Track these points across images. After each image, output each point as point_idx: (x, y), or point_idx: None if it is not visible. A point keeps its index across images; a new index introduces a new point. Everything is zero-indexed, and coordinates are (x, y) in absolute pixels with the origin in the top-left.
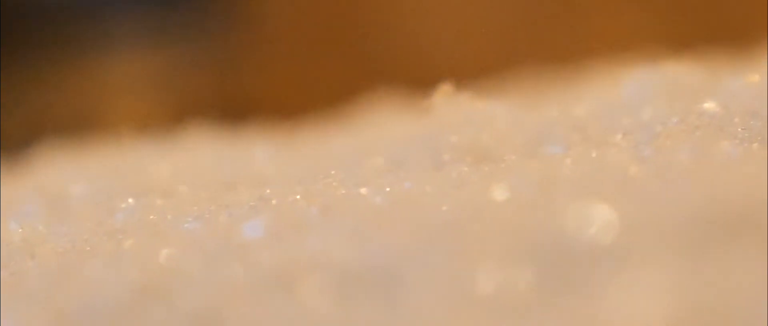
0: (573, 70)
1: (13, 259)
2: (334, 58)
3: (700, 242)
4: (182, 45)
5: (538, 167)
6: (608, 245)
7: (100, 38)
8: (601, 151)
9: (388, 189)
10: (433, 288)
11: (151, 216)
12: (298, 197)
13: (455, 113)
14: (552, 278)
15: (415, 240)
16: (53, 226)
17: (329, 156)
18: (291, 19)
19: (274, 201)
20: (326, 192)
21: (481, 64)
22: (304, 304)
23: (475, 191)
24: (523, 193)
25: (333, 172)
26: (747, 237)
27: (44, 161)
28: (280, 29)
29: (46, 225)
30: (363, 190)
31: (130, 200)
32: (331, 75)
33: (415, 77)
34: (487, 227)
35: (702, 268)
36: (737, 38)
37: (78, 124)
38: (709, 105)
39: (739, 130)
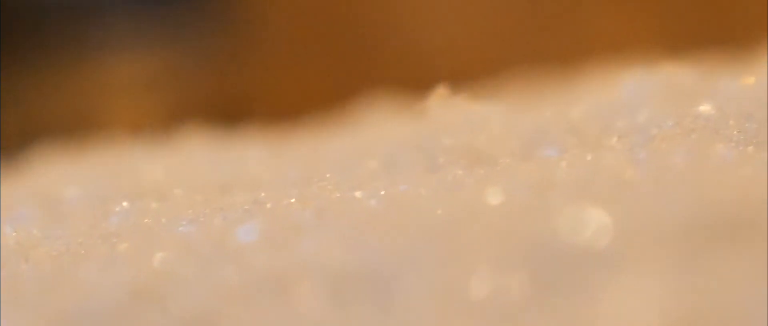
0: (568, 73)
1: (7, 263)
2: (329, 61)
3: (695, 246)
4: (178, 47)
5: (533, 170)
6: (603, 249)
7: (96, 40)
8: (596, 154)
9: (382, 192)
10: (427, 292)
11: (146, 220)
12: (292, 200)
13: (450, 116)
14: (546, 282)
15: (409, 244)
16: (48, 230)
17: (324, 159)
18: (286, 22)
19: (268, 205)
20: (321, 196)
21: (477, 66)
22: (298, 308)
23: (470, 194)
24: (518, 197)
25: (328, 175)
26: (742, 241)
27: (39, 164)
28: (275, 32)
29: (40, 228)
30: (358, 193)
31: (125, 203)
32: (326, 77)
33: (410, 80)
34: (482, 230)
35: (697, 272)
36: (733, 40)
37: (73, 126)
38: (705, 107)
39: (735, 132)
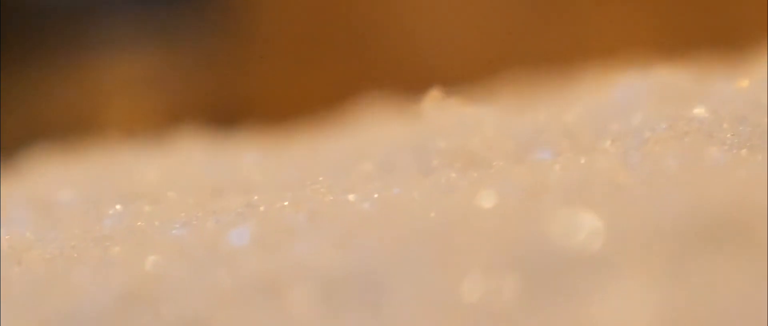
0: (562, 76)
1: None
2: (323, 64)
3: (688, 249)
4: (174, 48)
5: (526, 173)
6: (595, 252)
7: (94, 41)
8: (590, 157)
9: (376, 195)
10: (419, 295)
11: (139, 223)
12: (285, 203)
13: (444, 119)
14: (538, 285)
15: (402, 247)
16: (41, 233)
17: (317, 161)
18: (281, 25)
19: (261, 208)
20: (314, 199)
21: (471, 69)
22: (290, 311)
23: (464, 197)
24: (512, 200)
25: (321, 178)
26: (735, 244)
27: (32, 167)
28: (270, 35)
29: (33, 231)
30: (351, 197)
31: (118, 206)
32: (320, 80)
33: (405, 82)
34: (475, 234)
35: (690, 275)
36: (727, 44)
37: (68, 128)
38: (699, 110)
39: (729, 135)
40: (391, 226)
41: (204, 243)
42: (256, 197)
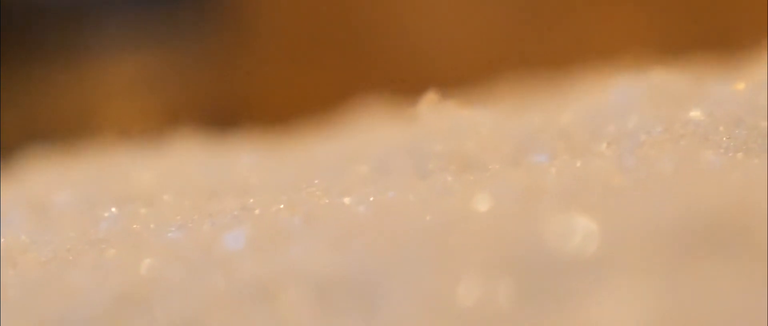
0: (558, 79)
1: None
2: (320, 66)
3: (683, 253)
4: (170, 50)
5: (522, 176)
6: (590, 255)
7: (90, 42)
8: (585, 160)
9: (371, 198)
10: (414, 299)
11: (135, 226)
12: (281, 206)
13: (440, 122)
14: (533, 289)
15: (397, 250)
16: (36, 235)
17: (313, 164)
18: (278, 27)
19: (257, 211)
20: (309, 202)
21: (467, 72)
22: (285, 314)
23: (459, 200)
24: (507, 203)
25: (316, 181)
26: (731, 247)
27: (29, 169)
28: (267, 37)
29: (28, 234)
30: (346, 199)
31: (114, 209)
32: (316, 83)
33: (401, 85)
34: (470, 237)
35: (685, 278)
36: (723, 46)
37: (65, 129)
38: (695, 113)
39: (724, 138)
40: (386, 229)
41: (199, 246)
42: (251, 200)
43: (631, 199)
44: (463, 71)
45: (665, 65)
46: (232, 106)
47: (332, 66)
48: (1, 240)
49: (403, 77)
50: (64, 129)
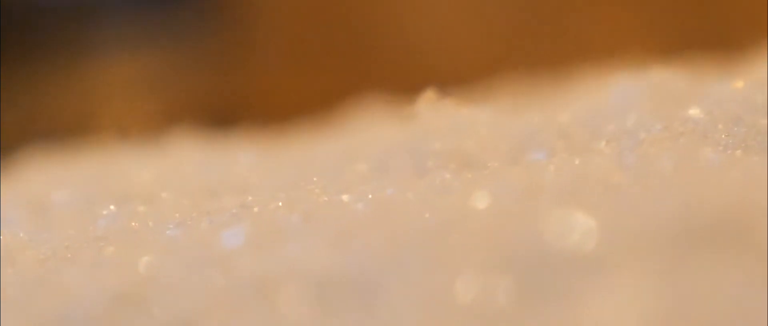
0: (557, 77)
1: None
2: (319, 64)
3: (682, 250)
4: (171, 50)
5: (521, 174)
6: (589, 253)
7: (89, 42)
8: (584, 159)
9: (370, 196)
10: (413, 297)
11: (133, 223)
12: (279, 204)
13: (439, 120)
14: (532, 286)
15: (396, 248)
16: (35, 233)
17: (312, 162)
18: (276, 27)
19: (255, 209)
20: (308, 199)
21: (466, 70)
22: (284, 312)
23: (458, 198)
24: (506, 201)
25: (315, 179)
26: (730, 245)
27: (27, 167)
28: (266, 37)
29: (27, 232)
30: (345, 197)
31: (112, 207)
32: (316, 81)
33: (399, 83)
34: (469, 235)
35: (684, 276)
36: (722, 44)
37: (64, 128)
38: (694, 111)
39: (723, 136)
40: (385, 227)
41: (198, 244)
42: (250, 198)
43: (631, 197)
44: (462, 69)
45: (664, 64)
46: (231, 105)
47: (331, 65)
48: (1, 238)
49: (401, 75)
50: (64, 128)
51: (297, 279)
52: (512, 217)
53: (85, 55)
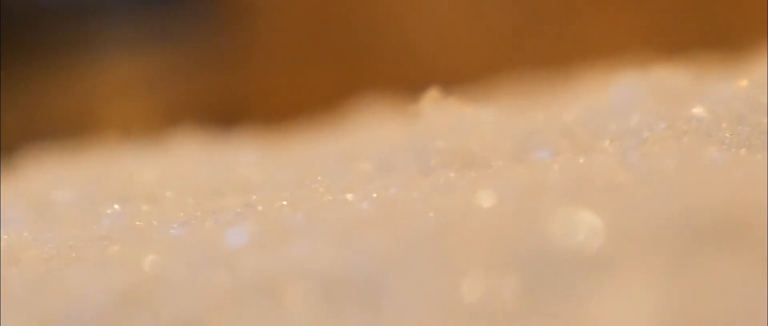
0: (561, 76)
1: None
2: (321, 64)
3: (687, 249)
4: (173, 49)
5: (525, 173)
6: (594, 252)
7: (91, 42)
8: (588, 157)
9: (374, 195)
10: (418, 296)
11: (137, 223)
12: (284, 203)
13: (443, 118)
14: (538, 285)
15: (400, 247)
16: (39, 232)
17: (316, 161)
18: (280, 25)
19: (260, 208)
20: (312, 198)
21: (469, 69)
22: (288, 312)
23: (462, 197)
24: (510, 200)
25: (319, 178)
26: (734, 244)
27: (30, 166)
28: (268, 35)
29: (31, 231)
30: (349, 196)
31: (116, 206)
32: (318, 80)
33: (403, 82)
34: (474, 234)
35: (689, 275)
36: (725, 43)
37: (65, 128)
38: (697, 110)
39: (727, 135)
40: (390, 226)
41: (202, 243)
42: (254, 197)
43: (635, 196)
44: (465, 68)
45: (667, 62)
46: (232, 105)
47: (334, 63)
48: (4, 237)
49: (404, 74)
50: (64, 128)
51: (302, 278)
52: (517, 216)
53: (85, 55)
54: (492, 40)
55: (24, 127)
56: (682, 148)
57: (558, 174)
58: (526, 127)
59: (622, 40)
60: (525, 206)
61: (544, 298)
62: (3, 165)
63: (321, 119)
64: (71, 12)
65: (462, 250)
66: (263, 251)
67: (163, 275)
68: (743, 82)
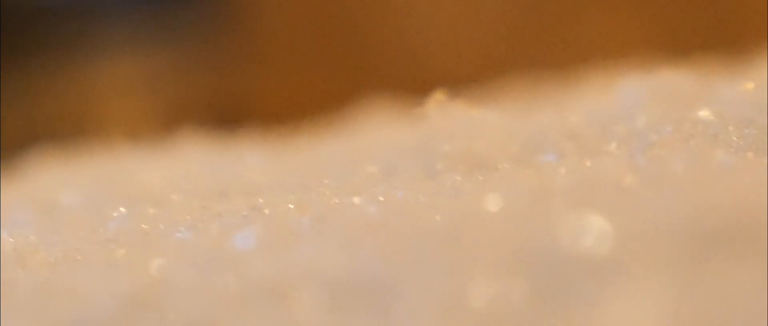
0: (566, 78)
1: (4, 269)
2: (327, 66)
3: (695, 252)
4: (175, 50)
5: (531, 176)
6: (602, 255)
7: (92, 42)
8: (595, 160)
9: (381, 198)
10: (426, 299)
11: (143, 226)
12: (290, 206)
13: (449, 121)
14: (546, 289)
15: (408, 251)
16: (45, 236)
17: (322, 164)
18: (283, 26)
19: (266, 211)
20: (319, 202)
21: (475, 71)
22: (296, 315)
23: (469, 200)
24: (517, 203)
25: (326, 181)
26: (743, 247)
27: (36, 169)
28: (272, 36)
29: (37, 234)
30: (356, 199)
31: (122, 209)
32: (323, 82)
33: (408, 85)
34: (481, 237)
35: (697, 279)
36: (732, 45)
37: (70, 130)
38: (704, 113)
39: (734, 138)
40: (396, 230)
41: (209, 247)
42: (260, 200)
43: (643, 199)
44: (471, 71)
45: (673, 65)
46: (239, 106)
47: (339, 65)
48: (11, 240)
49: (410, 77)
50: (65, 129)
51: (309, 281)
52: (525, 220)
53: (85, 55)
54: (498, 42)
55: (26, 127)
56: (689, 151)
57: (565, 178)
58: (532, 129)
59: (628, 42)
60: (532, 209)
61: (552, 302)
62: (8, 167)
63: (326, 121)
64: (71, 12)
65: (470, 254)
66: (270, 254)
67: (169, 278)
68: (749, 85)
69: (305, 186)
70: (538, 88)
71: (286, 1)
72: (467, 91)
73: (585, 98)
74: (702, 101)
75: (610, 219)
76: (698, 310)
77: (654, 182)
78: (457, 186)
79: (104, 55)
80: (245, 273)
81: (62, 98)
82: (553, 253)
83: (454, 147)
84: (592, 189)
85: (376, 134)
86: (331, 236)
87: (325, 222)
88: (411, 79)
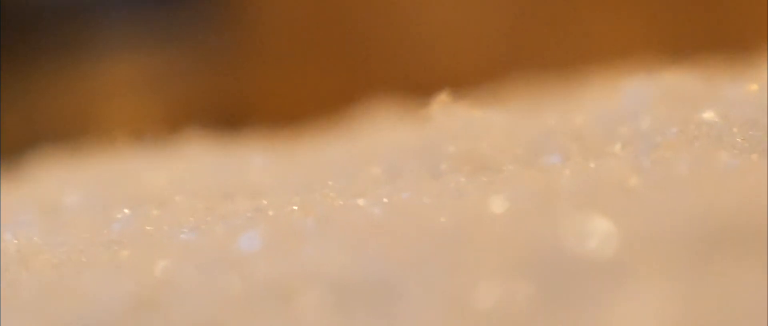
0: (571, 80)
1: (7, 270)
2: (330, 67)
3: (700, 253)
4: (178, 50)
5: (536, 177)
6: (607, 257)
7: (95, 42)
8: (599, 162)
9: (385, 199)
10: (431, 301)
11: (147, 227)
12: (294, 208)
13: (453, 122)
14: (551, 290)
15: (412, 252)
16: (48, 237)
17: (326, 165)
18: (287, 27)
19: (270, 212)
20: (323, 203)
21: (479, 73)
22: (300, 317)
23: (474, 202)
24: (522, 204)
25: (330, 183)
26: (747, 248)
27: (39, 170)
28: (276, 37)
29: (41, 235)
30: (360, 201)
31: (126, 210)
32: (327, 83)
33: (413, 86)
34: (486, 239)
35: (702, 280)
36: (736, 47)
37: (72, 130)
38: (708, 115)
39: (739, 140)
40: (401, 231)
41: (213, 248)
42: (265, 201)
43: (648, 201)
44: (475, 72)
45: (678, 67)
46: (242, 107)
47: (343, 66)
48: (14, 242)
49: (414, 78)
50: (65, 129)
51: (314, 283)
52: (529, 221)
53: (86, 55)
54: (503, 43)
55: (28, 128)
56: (694, 153)
57: (569, 179)
58: (537, 131)
59: (632, 43)
60: (537, 211)
61: (557, 303)
62: (5, 166)
63: (330, 122)
64: (71, 12)
65: (475, 255)
66: (275, 256)
67: (174, 280)
68: (754, 87)
69: (309, 187)
70: (542, 89)
71: (291, 1)
72: (472, 92)
73: (590, 99)
74: (706, 103)
75: (614, 220)
76: (703, 311)
77: (658, 183)
78: (462, 188)
79: (106, 55)
80: (249, 275)
81: (64, 98)
82: (558, 254)
83: (458, 148)
84: (597, 191)
85: (380, 135)
86: (335, 237)
87: (330, 224)
88: (415, 80)
